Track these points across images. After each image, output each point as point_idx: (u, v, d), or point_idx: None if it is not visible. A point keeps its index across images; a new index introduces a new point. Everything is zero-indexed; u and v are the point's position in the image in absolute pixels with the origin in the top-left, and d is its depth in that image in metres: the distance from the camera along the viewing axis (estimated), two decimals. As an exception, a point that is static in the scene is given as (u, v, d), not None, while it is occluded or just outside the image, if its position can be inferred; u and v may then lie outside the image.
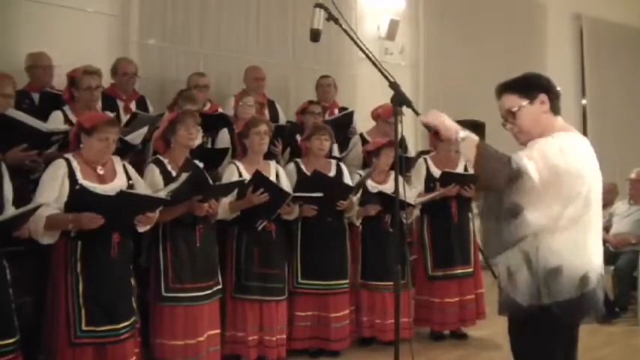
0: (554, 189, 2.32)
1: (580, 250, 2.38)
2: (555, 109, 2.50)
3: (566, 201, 2.34)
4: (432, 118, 2.45)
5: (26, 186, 3.52)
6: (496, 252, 2.46)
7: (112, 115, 3.96)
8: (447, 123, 2.43)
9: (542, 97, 2.47)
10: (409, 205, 4.65)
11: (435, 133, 5.10)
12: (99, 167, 3.41)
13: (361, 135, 5.41)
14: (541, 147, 2.36)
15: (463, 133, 2.39)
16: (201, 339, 3.83)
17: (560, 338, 2.42)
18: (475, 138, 2.38)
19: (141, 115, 4.46)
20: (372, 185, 4.81)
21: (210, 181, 3.88)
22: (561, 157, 2.32)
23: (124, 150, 3.76)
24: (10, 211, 3.04)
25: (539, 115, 2.46)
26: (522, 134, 2.50)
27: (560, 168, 2.31)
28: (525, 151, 2.38)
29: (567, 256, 2.35)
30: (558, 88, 2.54)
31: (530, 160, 2.30)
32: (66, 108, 4.16)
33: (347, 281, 4.62)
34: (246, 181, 4.10)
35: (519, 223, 2.34)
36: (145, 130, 4.12)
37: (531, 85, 2.50)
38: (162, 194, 3.50)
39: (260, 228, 4.21)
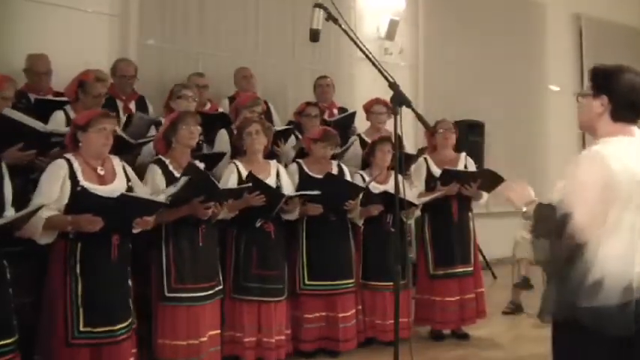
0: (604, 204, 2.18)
1: (627, 257, 2.19)
2: (619, 116, 2.31)
3: (608, 206, 2.18)
4: (511, 196, 2.46)
5: (26, 186, 3.51)
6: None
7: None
8: (519, 198, 2.44)
9: (603, 99, 2.32)
10: (412, 204, 4.65)
11: (431, 134, 5.12)
12: (99, 167, 3.39)
13: (359, 136, 5.39)
14: (577, 174, 2.23)
15: (526, 207, 2.41)
16: (204, 339, 3.82)
17: (601, 351, 2.20)
18: (533, 206, 2.39)
19: (137, 118, 4.43)
20: (374, 185, 4.80)
21: (217, 184, 3.85)
22: (599, 170, 2.18)
23: (122, 149, 3.75)
24: (10, 212, 3.01)
25: (592, 112, 2.34)
26: (579, 120, 2.43)
27: (598, 179, 2.17)
28: (562, 190, 2.26)
29: (611, 264, 2.17)
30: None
31: (568, 198, 2.19)
32: (68, 108, 4.15)
33: (353, 280, 4.62)
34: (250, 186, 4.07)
35: (589, 260, 2.19)
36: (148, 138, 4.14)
37: (601, 82, 2.34)
38: (162, 197, 3.49)
39: (258, 225, 4.21)
